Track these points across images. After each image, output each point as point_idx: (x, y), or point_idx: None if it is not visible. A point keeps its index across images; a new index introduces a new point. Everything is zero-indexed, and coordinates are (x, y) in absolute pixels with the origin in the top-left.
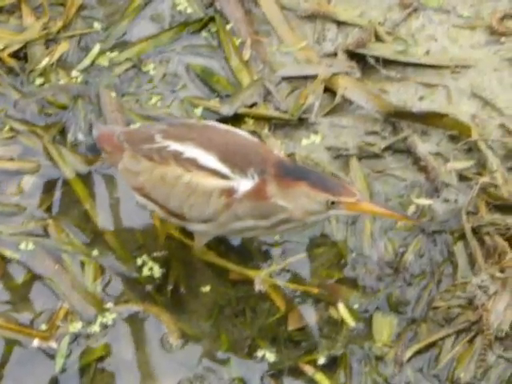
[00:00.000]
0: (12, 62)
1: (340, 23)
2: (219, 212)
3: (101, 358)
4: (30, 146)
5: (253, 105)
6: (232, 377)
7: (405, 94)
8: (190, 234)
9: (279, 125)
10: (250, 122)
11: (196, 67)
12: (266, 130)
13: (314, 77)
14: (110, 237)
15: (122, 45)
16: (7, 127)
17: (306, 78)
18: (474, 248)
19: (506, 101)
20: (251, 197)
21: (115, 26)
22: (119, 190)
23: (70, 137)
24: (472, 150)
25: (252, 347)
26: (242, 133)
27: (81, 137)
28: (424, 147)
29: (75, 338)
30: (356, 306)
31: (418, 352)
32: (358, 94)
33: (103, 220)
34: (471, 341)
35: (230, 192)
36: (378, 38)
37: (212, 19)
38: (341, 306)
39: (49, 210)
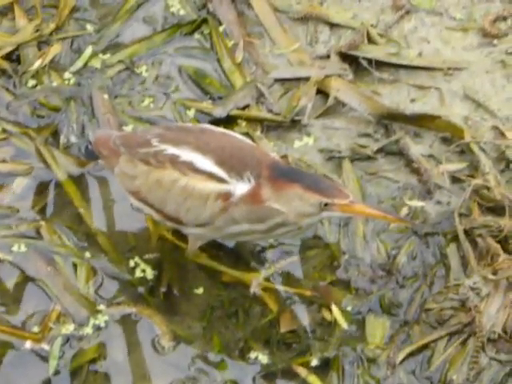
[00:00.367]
0: (4, 64)
1: (333, 25)
2: (216, 216)
3: (93, 360)
4: (23, 147)
5: (245, 107)
6: (225, 379)
7: (397, 96)
8: (182, 236)
9: (272, 127)
10: (243, 123)
11: (189, 69)
12: (258, 132)
13: (306, 79)
14: (102, 239)
15: (114, 47)
16: (0, 129)
17: (298, 79)
18: (467, 250)
19: (499, 103)
20: (247, 200)
21: (108, 28)
22: (112, 191)
23: (62, 139)
24: (464, 152)
25: (245, 349)
26: (238, 136)
27: (73, 139)
28: (416, 149)
29: (67, 339)
30: (349, 308)
31: (411, 354)
32: (350, 96)
33: (96, 222)
34: (464, 343)
35: (226, 196)
36: (371, 40)
37: (205, 21)
38: (334, 308)
39: (41, 211)
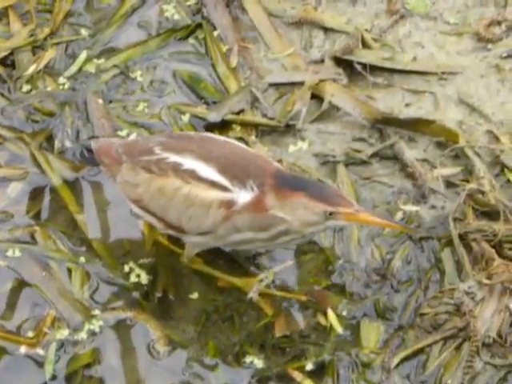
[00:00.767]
0: None
1: (327, 30)
2: (218, 224)
3: (88, 365)
4: (17, 152)
5: (240, 111)
6: (220, 383)
7: (392, 100)
8: (177, 241)
9: (266, 131)
10: (238, 128)
11: (183, 74)
12: (253, 137)
13: (301, 83)
14: (97, 244)
15: (109, 51)
16: None
17: (293, 84)
18: (461, 254)
19: (493, 107)
20: (250, 209)
21: (102, 33)
22: (106, 196)
23: (57, 143)
24: (459, 156)
25: (240, 353)
26: (241, 144)
27: (68, 143)
28: (411, 154)
29: (62, 344)
30: (344, 313)
31: (406, 358)
32: (345, 100)
33: (90, 227)
34: (458, 347)
35: (229, 204)
36: (365, 45)
37: (199, 26)
38: (330, 313)
39: (36, 216)
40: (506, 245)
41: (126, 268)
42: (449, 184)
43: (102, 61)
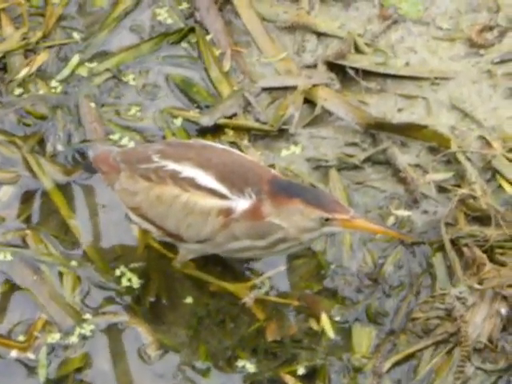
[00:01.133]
0: None
1: (320, 34)
2: (216, 232)
3: (79, 369)
4: (9, 156)
5: (233, 116)
6: None
7: (384, 105)
8: (169, 245)
9: (259, 136)
10: (230, 132)
11: (176, 78)
12: (245, 141)
13: (293, 88)
14: (88, 247)
15: (101, 55)
16: None
17: (285, 89)
18: (453, 259)
19: (485, 113)
20: (248, 216)
21: (95, 37)
22: (98, 200)
23: (49, 147)
24: (451, 161)
25: (232, 358)
26: (239, 152)
27: (60, 147)
28: (403, 159)
29: (53, 348)
30: (335, 318)
31: (397, 363)
32: (337, 105)
33: (82, 231)
34: (450, 352)
35: (227, 212)
36: (358, 50)
37: (192, 30)
38: (323, 317)
39: (27, 220)
40: (497, 250)
41: (118, 272)
42: (441, 189)
43: (94, 64)
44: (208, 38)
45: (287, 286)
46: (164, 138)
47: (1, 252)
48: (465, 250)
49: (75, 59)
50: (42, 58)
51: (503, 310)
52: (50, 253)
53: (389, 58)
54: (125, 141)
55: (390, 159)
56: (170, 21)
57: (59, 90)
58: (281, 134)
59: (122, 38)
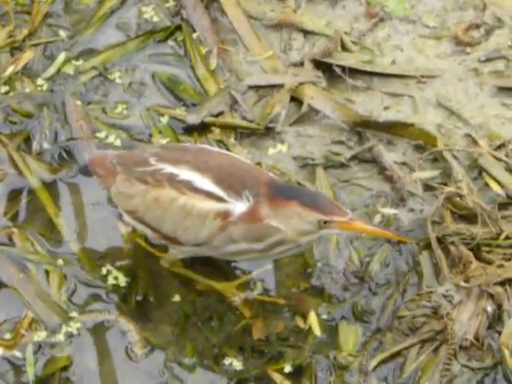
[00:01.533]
0: None
1: (306, 32)
2: (214, 235)
3: (65, 368)
4: None
5: (219, 114)
6: None
7: (371, 103)
8: (157, 244)
9: (246, 134)
10: (217, 131)
11: (162, 76)
12: (232, 139)
13: (280, 86)
14: (74, 246)
15: (87, 53)
16: None
17: (272, 87)
18: (439, 257)
19: (471, 111)
20: (246, 219)
21: (81, 35)
22: (84, 198)
23: (35, 145)
24: (437, 159)
25: (219, 355)
26: (235, 155)
27: (46, 145)
28: (390, 157)
29: (39, 347)
30: (322, 316)
31: (383, 361)
32: (324, 103)
33: (68, 229)
34: (436, 350)
35: (225, 215)
36: (344, 48)
37: (178, 28)
38: (311, 315)
39: (13, 218)
40: (483, 248)
41: (104, 270)
42: (427, 187)
43: (80, 62)
44: (194, 35)
45: (274, 284)
46: (150, 136)
47: None
48: (451, 248)
49: (61, 57)
50: (28, 55)
51: (489, 308)
52: (37, 251)
53: (375, 56)
54: (111, 139)
55: (376, 157)
56: (156, 19)
57: (45, 87)
58: (267, 132)
59: (108, 36)
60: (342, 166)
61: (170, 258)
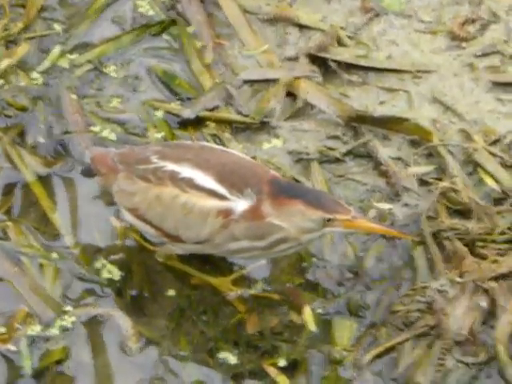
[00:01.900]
0: None
1: (302, 27)
2: (215, 232)
3: (60, 361)
4: None
5: (214, 108)
6: (193, 379)
7: (366, 98)
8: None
9: (241, 128)
10: (212, 125)
11: (157, 70)
12: (227, 134)
13: (275, 80)
14: (69, 239)
15: (82, 47)
16: None
17: (267, 81)
18: (434, 253)
19: (467, 106)
20: (248, 217)
21: (76, 28)
22: (79, 192)
23: (29, 139)
24: (432, 154)
25: (213, 349)
26: (238, 153)
27: (41, 139)
28: (385, 152)
29: (34, 340)
30: (317, 311)
31: (378, 356)
32: (319, 98)
33: (63, 223)
34: (430, 345)
35: (227, 212)
36: (340, 43)
37: (174, 22)
38: (306, 310)
39: (8, 212)
40: (478, 243)
41: (99, 264)
42: (422, 182)
43: (75, 56)
44: (190, 30)
45: (269, 278)
46: (145, 130)
47: None
48: (446, 243)
49: (56, 50)
50: (22, 49)
51: (484, 303)
52: (31, 245)
53: (371, 50)
54: (106, 133)
55: (371, 152)
56: (151, 12)
57: (40, 81)
58: (262, 126)
59: (103, 30)
60: (337, 160)
61: (164, 252)
